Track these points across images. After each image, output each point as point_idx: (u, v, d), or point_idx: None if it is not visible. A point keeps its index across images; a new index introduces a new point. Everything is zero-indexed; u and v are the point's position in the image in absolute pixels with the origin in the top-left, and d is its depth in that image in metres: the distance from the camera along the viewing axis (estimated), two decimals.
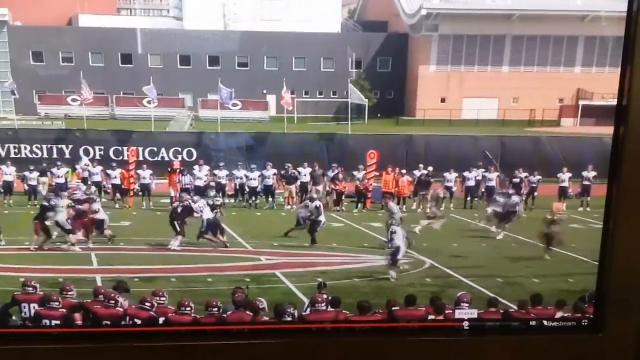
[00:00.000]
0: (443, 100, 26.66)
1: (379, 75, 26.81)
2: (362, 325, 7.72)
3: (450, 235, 16.83)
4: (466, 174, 20.26)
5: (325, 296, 9.45)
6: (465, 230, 17.80)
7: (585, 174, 19.95)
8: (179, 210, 16.17)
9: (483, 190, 20.24)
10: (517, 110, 26.25)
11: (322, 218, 16.65)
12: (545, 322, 6.58)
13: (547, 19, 25.17)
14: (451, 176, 20.28)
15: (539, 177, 19.98)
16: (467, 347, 6.22)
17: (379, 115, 26.37)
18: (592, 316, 6.04)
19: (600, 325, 5.85)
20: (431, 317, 8.51)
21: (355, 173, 20.06)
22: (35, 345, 5.80)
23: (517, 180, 19.87)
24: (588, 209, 19.64)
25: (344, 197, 19.95)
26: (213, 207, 16.39)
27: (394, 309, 8.67)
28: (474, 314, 7.40)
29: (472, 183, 20.30)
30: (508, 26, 25.49)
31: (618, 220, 5.48)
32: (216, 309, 8.81)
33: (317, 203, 16.83)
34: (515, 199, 17.89)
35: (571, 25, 25.07)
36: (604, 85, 23.98)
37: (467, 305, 8.41)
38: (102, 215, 16.26)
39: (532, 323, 6.79)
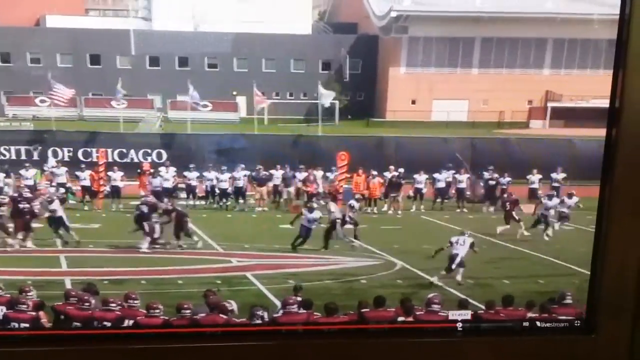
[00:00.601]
0: (413, 102, 26.70)
1: (349, 77, 26.77)
2: (334, 327, 7.72)
3: (420, 237, 16.88)
4: (436, 175, 20.33)
5: (297, 298, 9.45)
6: (436, 230, 17.86)
7: (554, 175, 20.05)
8: (145, 210, 16.04)
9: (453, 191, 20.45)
10: (487, 112, 26.36)
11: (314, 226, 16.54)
12: (538, 323, 6.60)
13: (515, 21, 25.32)
14: (421, 177, 20.34)
15: (509, 179, 20.07)
16: (457, 349, 6.25)
17: (350, 117, 26.33)
18: (584, 317, 6.08)
19: (592, 326, 5.92)
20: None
21: (328, 174, 20.04)
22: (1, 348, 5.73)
23: (492, 183, 20.00)
24: None
25: (314, 199, 19.90)
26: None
27: (363, 310, 8.69)
28: (466, 314, 7.39)
29: (442, 184, 20.39)
30: (477, 28, 25.61)
31: (610, 222, 5.53)
32: (188, 311, 8.74)
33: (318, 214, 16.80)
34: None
35: (540, 27, 25.24)
36: (572, 87, 24.24)
37: (438, 306, 8.42)
38: (59, 212, 16.02)
39: (525, 324, 6.80)
